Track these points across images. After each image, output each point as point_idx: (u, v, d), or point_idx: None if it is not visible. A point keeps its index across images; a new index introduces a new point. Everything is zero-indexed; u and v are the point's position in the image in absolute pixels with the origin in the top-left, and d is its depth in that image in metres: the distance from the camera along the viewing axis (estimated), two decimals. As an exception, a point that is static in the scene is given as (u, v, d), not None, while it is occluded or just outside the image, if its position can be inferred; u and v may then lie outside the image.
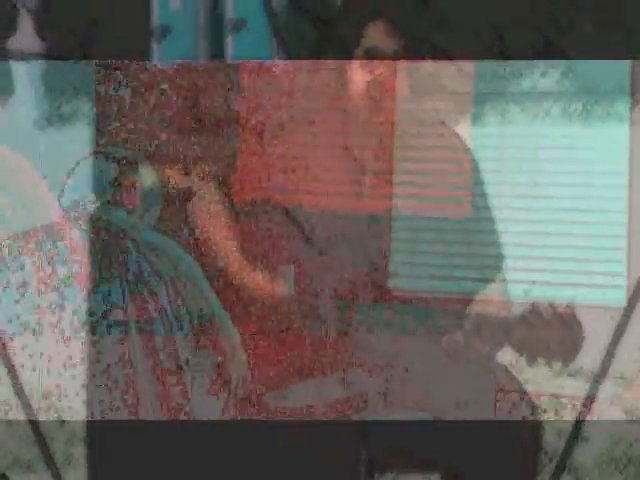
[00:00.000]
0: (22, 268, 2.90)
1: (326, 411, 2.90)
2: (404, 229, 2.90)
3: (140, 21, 3.18)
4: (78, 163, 2.97)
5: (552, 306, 2.72)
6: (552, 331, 2.74)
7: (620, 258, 2.94)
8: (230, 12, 3.16)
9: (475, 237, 2.89)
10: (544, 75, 3.05)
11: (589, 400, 2.93)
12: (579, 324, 2.73)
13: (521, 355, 2.77)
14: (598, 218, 2.95)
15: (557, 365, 2.71)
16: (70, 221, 2.89)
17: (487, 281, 2.93)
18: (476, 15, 2.98)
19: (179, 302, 2.82)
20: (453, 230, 2.88)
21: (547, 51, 2.96)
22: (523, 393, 2.80)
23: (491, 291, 2.93)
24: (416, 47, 2.86)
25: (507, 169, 3.04)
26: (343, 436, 2.83)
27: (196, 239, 2.89)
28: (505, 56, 3.00)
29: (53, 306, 2.91)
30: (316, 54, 2.90)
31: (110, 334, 2.83)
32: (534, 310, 2.77)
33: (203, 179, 2.87)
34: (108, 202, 2.92)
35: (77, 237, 2.91)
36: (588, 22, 2.92)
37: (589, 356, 2.91)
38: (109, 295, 2.85)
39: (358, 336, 2.92)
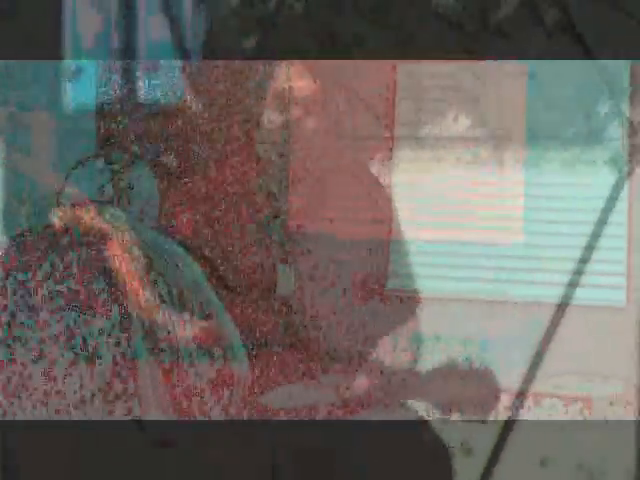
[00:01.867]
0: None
1: (325, 411, 2.90)
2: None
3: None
4: (77, 165, 2.98)
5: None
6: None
7: (620, 258, 2.93)
8: (142, 55, 3.16)
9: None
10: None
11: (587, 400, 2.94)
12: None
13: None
14: (598, 218, 2.95)
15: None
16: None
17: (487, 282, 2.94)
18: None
19: (180, 301, 2.83)
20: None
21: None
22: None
23: (491, 292, 2.94)
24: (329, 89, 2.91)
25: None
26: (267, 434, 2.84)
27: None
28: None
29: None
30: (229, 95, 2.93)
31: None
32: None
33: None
34: (106, 203, 2.93)
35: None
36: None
37: (587, 357, 2.92)
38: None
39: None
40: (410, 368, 2.93)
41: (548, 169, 2.96)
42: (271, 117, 2.95)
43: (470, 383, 2.93)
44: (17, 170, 3.12)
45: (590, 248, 2.93)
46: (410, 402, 2.92)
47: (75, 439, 2.86)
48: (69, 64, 3.17)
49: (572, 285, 2.93)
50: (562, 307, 2.93)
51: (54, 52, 3.18)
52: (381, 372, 2.92)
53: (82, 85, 3.15)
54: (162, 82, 3.10)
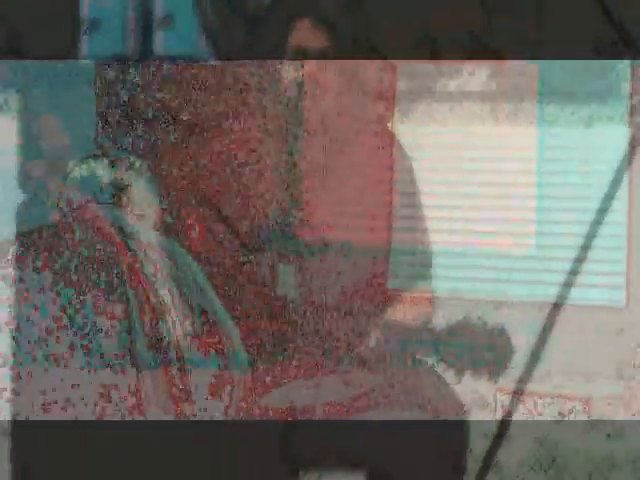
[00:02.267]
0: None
1: (326, 411, 2.90)
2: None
3: (68, 15, 3.17)
4: (76, 165, 2.98)
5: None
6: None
7: (619, 258, 2.94)
8: (158, 9, 3.15)
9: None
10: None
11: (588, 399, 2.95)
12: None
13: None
14: (598, 218, 2.95)
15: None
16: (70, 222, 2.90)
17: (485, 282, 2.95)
18: (406, 15, 2.99)
19: (181, 301, 2.83)
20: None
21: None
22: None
23: (491, 290, 2.95)
24: (345, 46, 2.88)
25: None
26: (267, 434, 2.84)
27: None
28: (435, 56, 2.99)
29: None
30: (245, 51, 2.91)
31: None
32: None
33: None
34: (107, 203, 2.93)
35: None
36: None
37: (587, 356, 2.93)
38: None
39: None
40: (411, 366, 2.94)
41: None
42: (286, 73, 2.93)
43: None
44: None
45: (589, 248, 2.93)
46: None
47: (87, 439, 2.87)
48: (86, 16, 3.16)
49: (571, 285, 2.94)
50: (561, 307, 2.94)
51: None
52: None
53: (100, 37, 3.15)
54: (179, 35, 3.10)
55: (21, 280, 2.88)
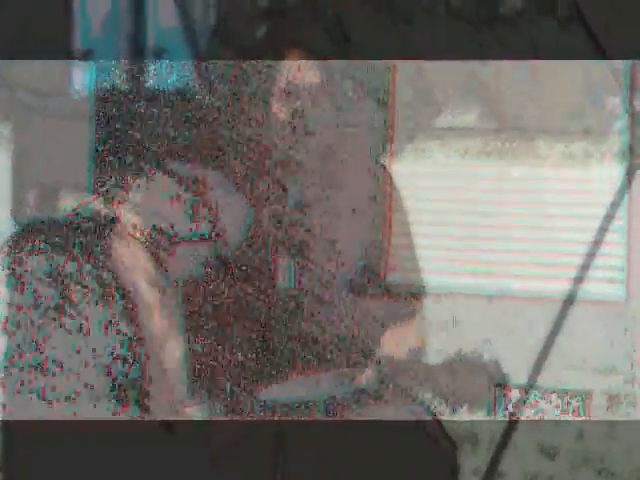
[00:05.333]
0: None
1: (325, 409, 2.91)
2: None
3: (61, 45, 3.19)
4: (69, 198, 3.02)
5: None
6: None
7: (620, 253, 2.93)
8: (151, 40, 3.15)
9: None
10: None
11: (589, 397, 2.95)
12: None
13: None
14: (598, 214, 2.95)
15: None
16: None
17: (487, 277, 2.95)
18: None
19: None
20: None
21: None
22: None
23: (490, 288, 2.95)
24: (335, 80, 2.90)
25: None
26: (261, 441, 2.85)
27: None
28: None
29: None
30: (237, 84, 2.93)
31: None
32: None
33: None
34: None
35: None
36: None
37: (589, 352, 2.92)
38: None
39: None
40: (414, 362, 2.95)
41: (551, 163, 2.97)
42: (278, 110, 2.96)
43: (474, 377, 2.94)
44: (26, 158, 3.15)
45: (590, 243, 2.93)
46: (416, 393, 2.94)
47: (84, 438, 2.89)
48: (78, 48, 3.18)
49: (572, 280, 2.93)
50: (562, 302, 2.94)
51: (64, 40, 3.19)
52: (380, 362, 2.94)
53: (89, 70, 3.17)
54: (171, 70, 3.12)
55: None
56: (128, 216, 2.94)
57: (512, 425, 2.97)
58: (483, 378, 2.96)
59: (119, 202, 2.97)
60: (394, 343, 2.94)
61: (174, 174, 2.97)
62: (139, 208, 2.95)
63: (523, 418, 2.97)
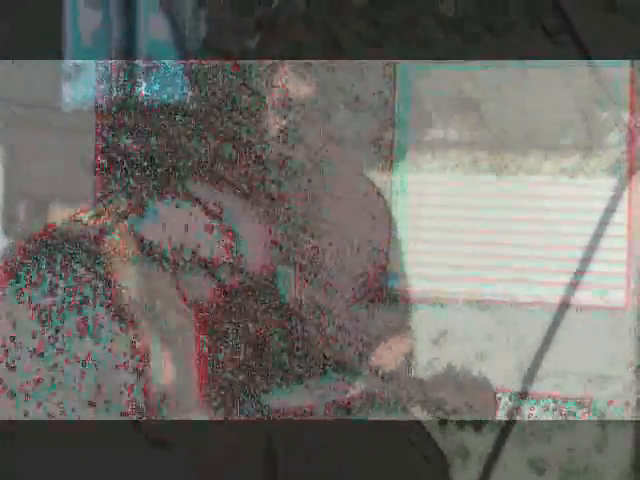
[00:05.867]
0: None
1: (326, 411, 2.90)
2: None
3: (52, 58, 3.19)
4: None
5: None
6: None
7: (620, 258, 2.94)
8: (143, 54, 3.15)
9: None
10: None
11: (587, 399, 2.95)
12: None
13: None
14: (598, 219, 2.96)
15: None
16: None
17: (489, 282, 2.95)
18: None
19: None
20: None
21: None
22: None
23: (492, 291, 2.95)
24: (329, 92, 2.92)
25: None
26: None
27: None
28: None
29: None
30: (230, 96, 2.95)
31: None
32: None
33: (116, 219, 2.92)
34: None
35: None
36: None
37: (587, 357, 2.93)
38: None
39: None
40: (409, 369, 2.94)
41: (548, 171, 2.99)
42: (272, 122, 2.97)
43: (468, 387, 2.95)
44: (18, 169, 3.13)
45: (590, 248, 2.94)
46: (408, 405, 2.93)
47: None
48: (68, 63, 3.17)
49: (572, 285, 2.94)
50: (562, 307, 2.94)
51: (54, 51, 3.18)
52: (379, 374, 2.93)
53: (82, 84, 3.16)
54: (163, 83, 3.11)
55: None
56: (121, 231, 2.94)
57: (502, 439, 2.96)
58: (479, 388, 2.97)
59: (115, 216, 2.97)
60: (389, 357, 2.94)
61: (190, 196, 2.97)
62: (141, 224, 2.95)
63: (518, 421, 2.97)
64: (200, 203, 2.96)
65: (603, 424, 2.93)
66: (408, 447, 2.90)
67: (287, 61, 3.00)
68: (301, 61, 3.00)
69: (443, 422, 2.94)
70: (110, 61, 3.14)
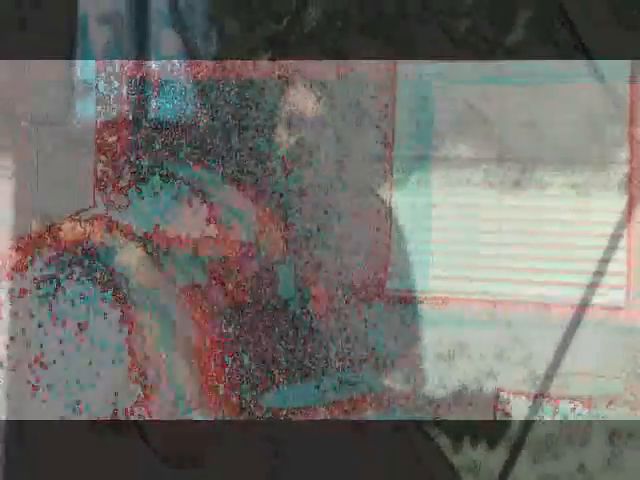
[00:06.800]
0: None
1: (326, 411, 2.90)
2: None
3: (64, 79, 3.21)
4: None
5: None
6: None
7: (620, 258, 2.93)
8: (155, 74, 3.16)
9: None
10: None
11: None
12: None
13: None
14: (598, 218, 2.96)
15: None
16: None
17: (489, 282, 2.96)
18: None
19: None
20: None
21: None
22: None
23: (493, 291, 2.96)
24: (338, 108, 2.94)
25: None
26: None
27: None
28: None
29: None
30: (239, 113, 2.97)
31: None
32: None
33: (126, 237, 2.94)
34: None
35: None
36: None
37: (588, 357, 2.93)
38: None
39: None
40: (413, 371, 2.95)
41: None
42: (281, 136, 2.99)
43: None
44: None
45: (591, 248, 2.94)
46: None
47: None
48: (79, 79, 3.19)
49: (572, 285, 2.94)
50: (562, 307, 2.95)
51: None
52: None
53: (91, 100, 3.18)
54: (172, 98, 3.13)
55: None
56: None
57: (514, 455, 2.96)
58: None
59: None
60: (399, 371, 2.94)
61: (181, 178, 2.99)
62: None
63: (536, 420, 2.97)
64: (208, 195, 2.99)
65: (613, 441, 2.92)
66: (416, 461, 2.91)
67: (298, 77, 3.02)
68: (311, 78, 3.02)
69: (458, 439, 2.95)
70: (120, 76, 3.16)
